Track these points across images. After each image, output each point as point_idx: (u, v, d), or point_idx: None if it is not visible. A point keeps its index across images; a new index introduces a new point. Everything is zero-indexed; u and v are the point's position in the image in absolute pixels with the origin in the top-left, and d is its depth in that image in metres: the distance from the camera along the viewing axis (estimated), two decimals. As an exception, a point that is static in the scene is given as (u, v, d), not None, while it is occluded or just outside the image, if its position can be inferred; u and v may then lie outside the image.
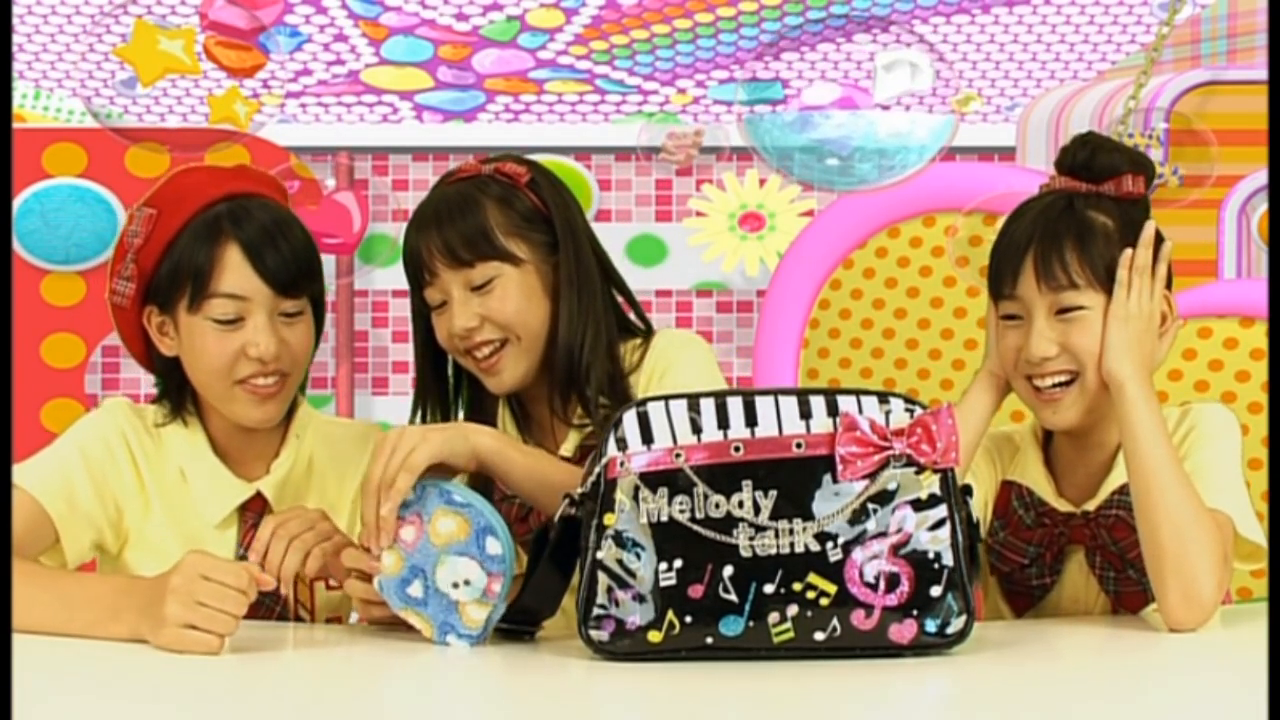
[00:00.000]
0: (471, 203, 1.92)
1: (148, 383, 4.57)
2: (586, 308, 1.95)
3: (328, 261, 2.42)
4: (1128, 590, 1.88)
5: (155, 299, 1.91)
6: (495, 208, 1.93)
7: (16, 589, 1.68)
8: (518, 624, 1.68)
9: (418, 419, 2.03)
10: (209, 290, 1.86)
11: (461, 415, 2.06)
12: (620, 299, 2.04)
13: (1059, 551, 1.90)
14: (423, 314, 1.99)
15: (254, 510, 1.93)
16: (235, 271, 1.86)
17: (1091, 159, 1.89)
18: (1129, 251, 1.81)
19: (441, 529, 1.64)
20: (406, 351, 4.72)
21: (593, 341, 1.94)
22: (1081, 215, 1.84)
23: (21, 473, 1.87)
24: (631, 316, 2.04)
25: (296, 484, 1.96)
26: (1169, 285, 1.89)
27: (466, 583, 1.63)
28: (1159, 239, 1.87)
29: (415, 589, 1.64)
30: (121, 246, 1.92)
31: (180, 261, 1.87)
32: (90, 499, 1.88)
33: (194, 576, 1.61)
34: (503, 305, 1.91)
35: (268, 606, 1.92)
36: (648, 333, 2.03)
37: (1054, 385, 1.84)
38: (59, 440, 1.93)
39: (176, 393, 1.94)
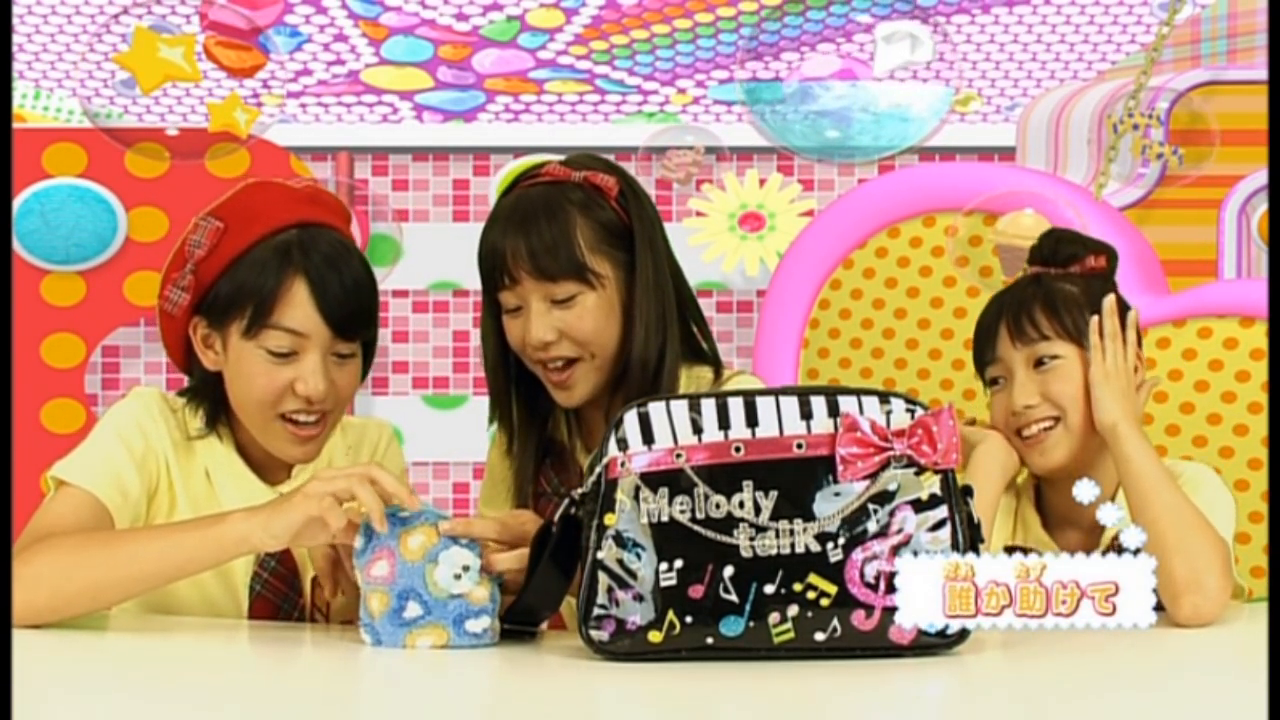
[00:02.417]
0: (559, 211, 1.87)
1: (146, 384, 4.56)
2: (663, 326, 1.91)
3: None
4: None
5: (207, 313, 1.87)
6: (582, 220, 1.88)
7: (114, 550, 1.68)
8: (518, 624, 1.68)
9: (495, 421, 2.00)
10: (269, 320, 1.82)
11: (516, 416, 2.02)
12: (694, 326, 2.00)
13: None
14: (494, 314, 1.94)
15: None
16: (299, 307, 1.83)
17: (1056, 248, 2.07)
18: (1095, 320, 1.96)
19: (413, 545, 1.63)
20: (406, 351, 4.73)
21: (670, 362, 1.91)
22: (1048, 285, 2.03)
23: (68, 469, 1.83)
24: (702, 343, 2.00)
25: None
26: (1139, 345, 2.03)
27: (466, 569, 1.63)
28: (1125, 306, 2.01)
29: (412, 610, 1.63)
30: (180, 254, 1.87)
31: (243, 284, 1.83)
32: (137, 488, 1.85)
33: (322, 479, 1.63)
34: (581, 323, 1.88)
35: (286, 611, 1.92)
36: (717, 364, 2.00)
37: (1040, 430, 1.99)
38: (96, 432, 1.89)
39: (213, 405, 1.92)
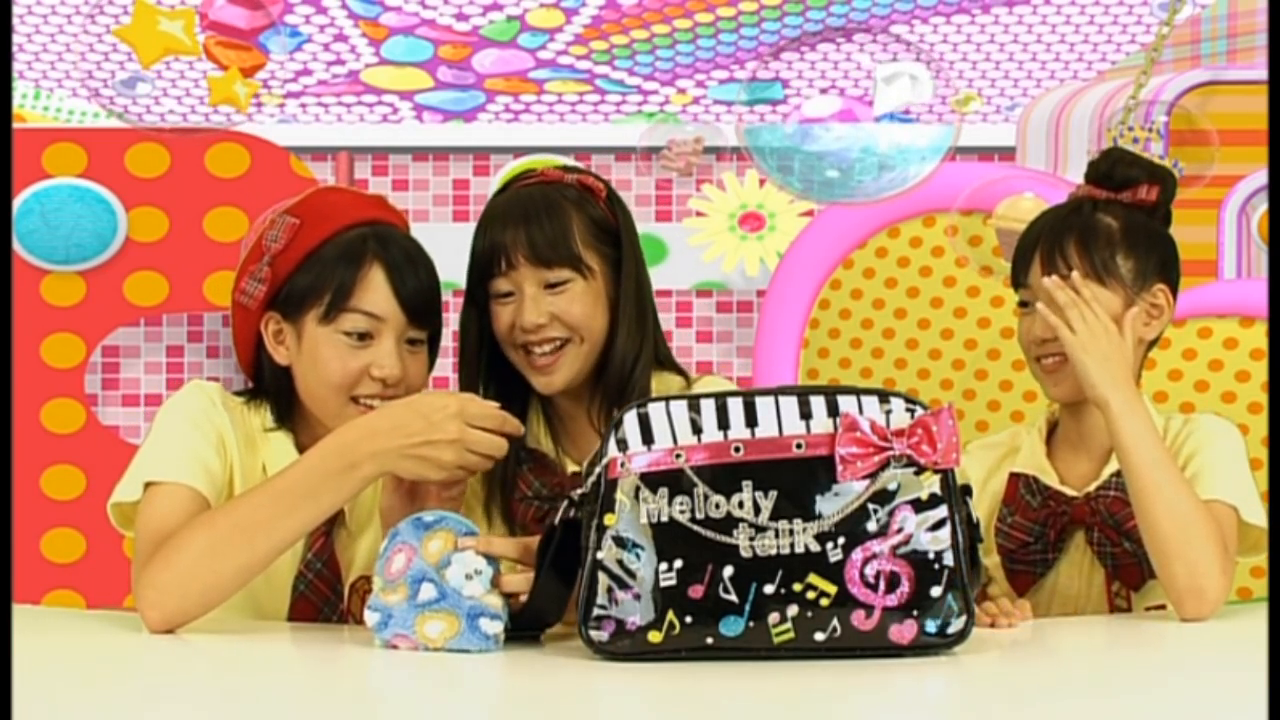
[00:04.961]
0: (557, 206, 1.99)
1: (147, 384, 4.56)
2: (642, 327, 2.02)
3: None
4: (1125, 563, 1.97)
5: (282, 306, 1.92)
6: (577, 214, 2.00)
7: (250, 531, 1.72)
8: (524, 628, 1.68)
9: None
10: (348, 305, 1.88)
11: None
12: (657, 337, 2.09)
13: (1061, 529, 2.00)
14: (474, 316, 2.02)
15: None
16: (377, 291, 1.89)
17: (1112, 170, 2.06)
18: (1040, 307, 1.95)
19: (432, 549, 1.65)
20: (406, 351, 4.72)
21: (645, 359, 2.01)
22: (1088, 217, 2.01)
23: (152, 470, 1.83)
24: (668, 352, 2.10)
25: (367, 495, 1.94)
26: (1175, 281, 2.05)
27: (478, 572, 1.64)
28: (1070, 267, 1.98)
29: (427, 591, 1.63)
30: (258, 248, 1.93)
31: (322, 273, 1.89)
32: (220, 467, 1.87)
33: (463, 420, 1.72)
34: (572, 307, 1.97)
35: (326, 614, 1.93)
36: (682, 372, 2.08)
37: (1052, 362, 2.00)
38: (162, 427, 1.89)
39: (278, 403, 1.95)
